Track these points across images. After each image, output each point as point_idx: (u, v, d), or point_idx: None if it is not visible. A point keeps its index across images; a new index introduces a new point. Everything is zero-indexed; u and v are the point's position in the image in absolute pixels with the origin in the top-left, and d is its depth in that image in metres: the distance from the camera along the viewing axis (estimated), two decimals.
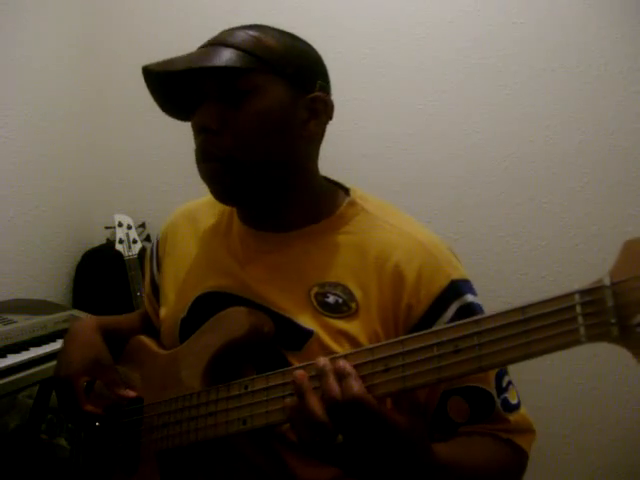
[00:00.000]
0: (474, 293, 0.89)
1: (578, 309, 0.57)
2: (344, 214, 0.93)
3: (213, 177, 0.89)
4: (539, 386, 1.97)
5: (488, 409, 0.86)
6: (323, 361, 0.70)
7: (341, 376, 0.67)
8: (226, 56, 0.84)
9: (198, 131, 0.88)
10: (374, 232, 0.91)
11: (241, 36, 0.87)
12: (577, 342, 0.57)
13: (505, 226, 2.05)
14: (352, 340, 0.85)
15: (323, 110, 0.91)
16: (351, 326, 0.85)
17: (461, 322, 0.66)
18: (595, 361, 1.95)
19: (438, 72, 2.08)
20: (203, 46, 0.90)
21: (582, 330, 0.56)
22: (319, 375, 0.69)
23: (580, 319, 0.57)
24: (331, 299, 0.87)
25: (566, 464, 2.04)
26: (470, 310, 0.86)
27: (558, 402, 2.01)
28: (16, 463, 1.86)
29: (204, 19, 2.27)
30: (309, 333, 0.86)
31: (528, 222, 2.03)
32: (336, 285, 0.88)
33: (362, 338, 0.85)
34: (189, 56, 0.87)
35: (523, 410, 0.90)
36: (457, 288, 0.87)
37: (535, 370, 1.99)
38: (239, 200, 0.92)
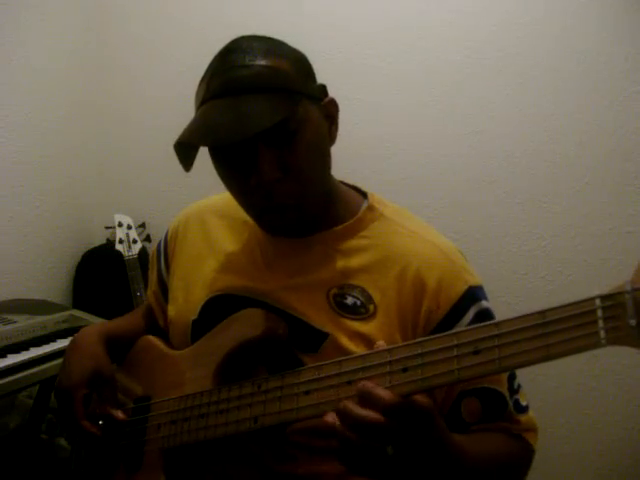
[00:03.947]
0: (487, 299, 0.91)
1: (599, 313, 0.58)
2: (363, 219, 0.94)
3: (285, 225, 0.88)
4: (539, 386, 1.96)
5: (501, 410, 0.87)
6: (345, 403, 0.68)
7: (363, 396, 0.67)
8: (268, 108, 0.78)
9: (261, 185, 0.83)
10: (393, 237, 0.92)
11: (259, 70, 0.81)
12: (597, 345, 0.58)
13: (505, 226, 2.05)
14: (369, 342, 0.85)
15: (336, 112, 0.91)
16: (368, 328, 0.86)
17: (481, 325, 0.67)
18: (595, 361, 1.95)
19: (438, 72, 2.08)
20: (222, 93, 0.81)
21: (602, 333, 0.57)
22: (346, 413, 0.67)
23: (601, 323, 0.57)
24: (349, 300, 0.88)
25: (566, 464, 2.04)
26: (486, 315, 0.88)
27: (558, 402, 2.01)
28: (16, 463, 1.86)
29: (204, 21, 2.27)
30: (325, 335, 0.86)
31: (528, 222, 2.03)
32: (354, 287, 0.88)
33: (379, 340, 0.85)
34: (232, 120, 0.78)
35: (531, 412, 0.92)
36: (474, 294, 0.89)
37: (535, 370, 1.99)
38: (298, 231, 0.91)
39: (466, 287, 0.88)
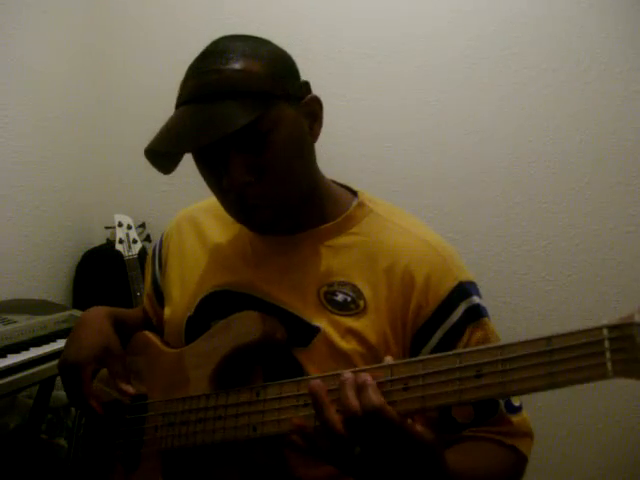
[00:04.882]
0: (479, 295, 0.90)
1: (606, 344, 0.56)
2: (353, 215, 0.94)
3: (263, 224, 0.88)
4: None
5: (492, 410, 0.87)
6: (346, 374, 0.70)
7: (360, 388, 0.68)
8: (236, 112, 0.79)
9: (231, 189, 0.84)
10: (383, 233, 0.92)
11: (229, 75, 0.82)
12: (603, 376, 0.56)
13: (505, 226, 2.05)
14: (360, 338, 0.86)
15: (319, 109, 0.91)
16: (359, 324, 0.86)
17: (484, 347, 0.66)
18: None
19: (438, 72, 2.08)
20: (191, 99, 0.83)
21: (609, 365, 0.56)
22: (338, 387, 0.69)
23: (608, 354, 0.56)
24: (340, 297, 0.88)
25: (566, 464, 2.04)
26: (477, 311, 0.88)
27: (558, 402, 2.01)
28: (16, 463, 1.86)
29: (205, 20, 2.27)
30: (316, 330, 0.87)
31: (528, 222, 2.03)
32: (345, 284, 0.89)
33: (370, 336, 0.86)
34: (197, 125, 0.80)
35: (525, 413, 0.91)
36: (464, 289, 0.88)
37: None
38: (280, 229, 0.91)
39: (456, 283, 0.87)
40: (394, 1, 2.10)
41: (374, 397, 0.66)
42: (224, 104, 0.80)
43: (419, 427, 0.67)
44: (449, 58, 2.07)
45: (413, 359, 0.70)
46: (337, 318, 0.87)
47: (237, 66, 0.82)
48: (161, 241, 1.12)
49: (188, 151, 0.85)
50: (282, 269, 0.92)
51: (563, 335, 0.60)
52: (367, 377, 0.68)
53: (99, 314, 1.04)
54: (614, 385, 1.93)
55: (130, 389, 0.96)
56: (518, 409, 0.89)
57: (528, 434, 0.90)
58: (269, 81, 0.83)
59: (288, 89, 0.85)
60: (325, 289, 0.89)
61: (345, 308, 0.87)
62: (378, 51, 2.12)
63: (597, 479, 2.03)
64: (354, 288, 0.88)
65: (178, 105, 0.85)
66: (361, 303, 0.87)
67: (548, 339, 0.61)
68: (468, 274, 0.91)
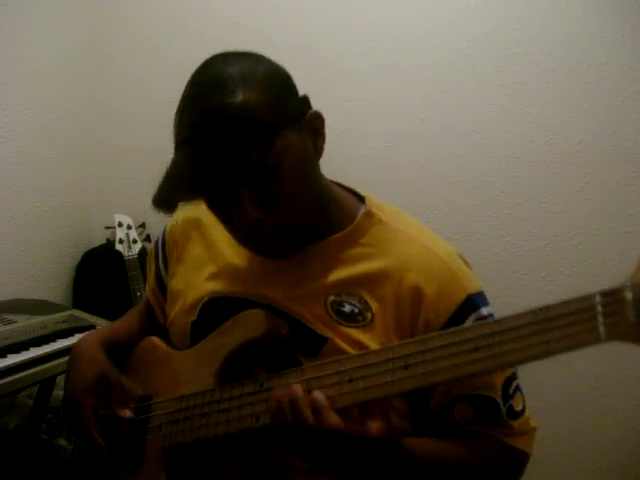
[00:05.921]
0: (487, 304, 0.90)
1: (598, 308, 0.58)
2: (361, 225, 0.92)
3: (280, 253, 0.89)
4: (539, 386, 1.96)
5: (493, 416, 0.87)
6: (296, 388, 0.74)
7: (315, 409, 0.71)
8: (241, 151, 0.77)
9: (245, 227, 0.84)
10: (392, 244, 0.91)
11: (231, 111, 0.78)
12: (597, 340, 0.58)
13: (505, 226, 2.05)
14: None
15: (321, 125, 0.88)
16: (366, 337, 0.86)
17: (481, 322, 0.69)
18: (595, 361, 1.95)
19: (438, 72, 2.08)
20: (192, 138, 0.80)
21: (602, 329, 0.58)
22: (292, 400, 0.73)
23: (600, 318, 0.58)
24: (347, 308, 0.87)
25: (566, 464, 2.04)
26: None
27: (558, 402, 2.01)
28: (16, 463, 1.86)
29: (205, 20, 2.27)
30: (324, 339, 0.86)
31: (528, 222, 2.03)
32: (352, 295, 0.88)
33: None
34: (202, 169, 0.79)
35: (527, 413, 0.91)
36: (473, 302, 0.88)
37: (535, 370, 1.98)
38: (295, 251, 0.91)
39: (464, 296, 0.87)
40: (394, 1, 2.10)
41: (330, 418, 0.70)
42: (227, 143, 0.78)
43: (374, 426, 0.70)
44: (449, 58, 2.07)
45: (411, 339, 0.72)
46: (344, 329, 0.86)
47: (235, 99, 0.78)
48: (164, 237, 1.11)
49: (200, 198, 0.84)
50: (289, 280, 0.92)
51: (557, 304, 0.62)
52: (320, 397, 0.72)
53: (90, 344, 1.05)
54: (614, 385, 1.94)
55: (127, 413, 0.97)
56: (519, 413, 0.89)
57: (527, 432, 0.90)
58: (270, 109, 0.80)
59: (289, 111, 0.83)
60: (332, 299, 0.88)
61: (352, 320, 0.87)
62: (378, 51, 2.13)
63: (597, 479, 2.03)
64: (361, 299, 0.87)
65: (178, 143, 0.83)
66: (368, 315, 0.87)
67: (542, 309, 0.63)
68: (476, 283, 0.91)
